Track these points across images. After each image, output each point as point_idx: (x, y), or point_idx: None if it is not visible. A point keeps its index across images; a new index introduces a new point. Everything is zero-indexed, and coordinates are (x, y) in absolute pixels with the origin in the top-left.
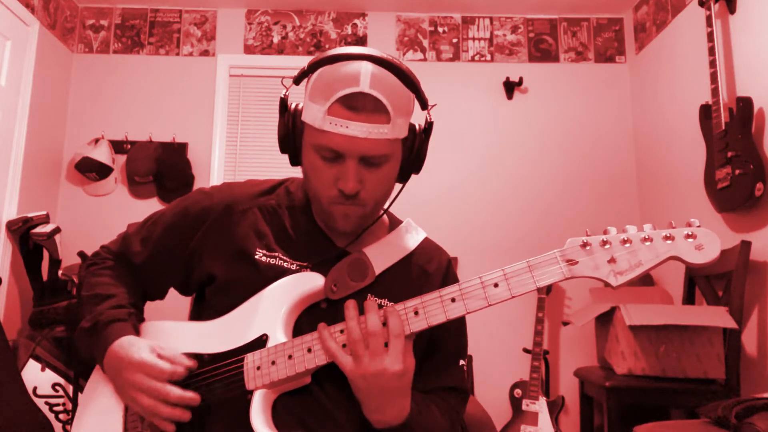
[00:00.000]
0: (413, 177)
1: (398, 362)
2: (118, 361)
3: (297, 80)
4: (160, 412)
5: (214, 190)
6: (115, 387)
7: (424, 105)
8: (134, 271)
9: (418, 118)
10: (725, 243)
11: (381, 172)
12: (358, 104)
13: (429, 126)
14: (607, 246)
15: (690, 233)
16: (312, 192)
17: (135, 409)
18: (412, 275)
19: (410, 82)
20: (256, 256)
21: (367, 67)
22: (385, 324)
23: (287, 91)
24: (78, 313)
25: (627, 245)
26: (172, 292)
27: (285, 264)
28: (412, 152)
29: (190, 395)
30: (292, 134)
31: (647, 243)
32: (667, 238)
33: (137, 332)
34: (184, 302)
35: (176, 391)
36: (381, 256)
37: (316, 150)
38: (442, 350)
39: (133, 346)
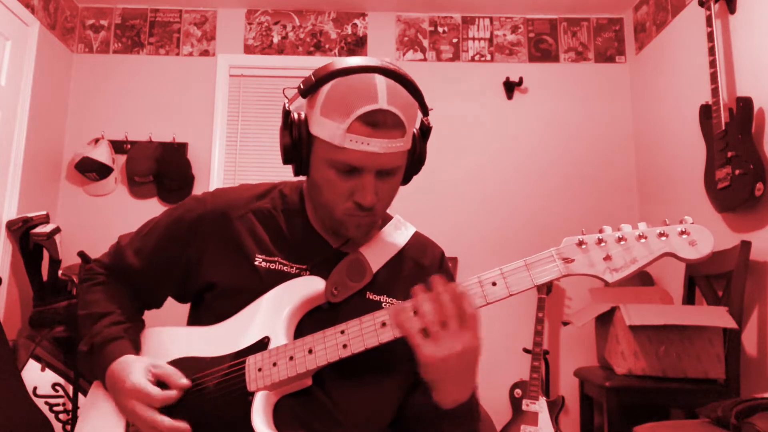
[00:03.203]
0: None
1: (477, 338)
2: (115, 383)
3: (304, 93)
4: None
5: (208, 196)
6: (117, 406)
7: (425, 111)
8: (129, 283)
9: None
10: (725, 243)
11: (392, 181)
12: (378, 120)
13: (428, 130)
14: (602, 244)
15: (683, 230)
16: (323, 203)
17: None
18: (407, 270)
19: (416, 91)
20: (256, 262)
21: (381, 81)
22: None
23: (291, 104)
24: (77, 332)
25: (622, 243)
26: (169, 299)
27: (285, 268)
28: (415, 157)
29: (181, 425)
30: (299, 145)
31: (642, 240)
32: (661, 235)
33: (136, 346)
34: (183, 307)
35: (166, 422)
36: (376, 253)
37: (331, 165)
38: None
39: (127, 370)
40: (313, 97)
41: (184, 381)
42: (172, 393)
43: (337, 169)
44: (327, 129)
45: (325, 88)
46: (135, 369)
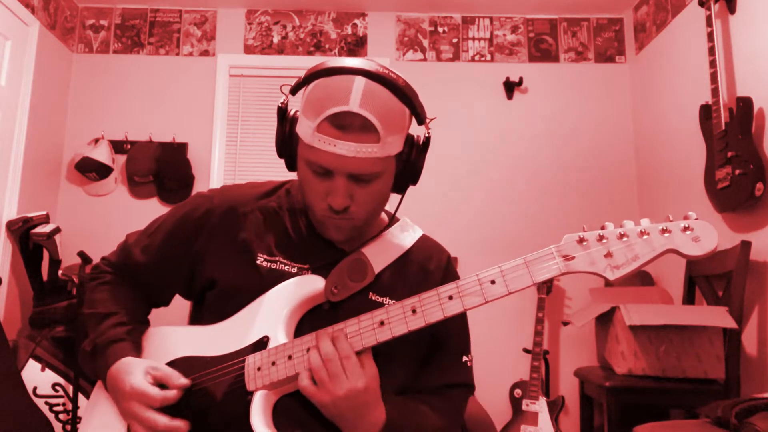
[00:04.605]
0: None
1: (359, 379)
2: (115, 386)
3: (293, 91)
4: None
5: (215, 192)
6: (117, 409)
7: (420, 120)
8: (136, 281)
9: (419, 129)
10: (725, 243)
11: (372, 187)
12: (346, 123)
13: (426, 140)
14: (603, 241)
15: (687, 226)
16: (306, 202)
17: None
18: (411, 273)
19: (405, 97)
20: (258, 261)
21: (359, 83)
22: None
23: (286, 99)
24: (80, 330)
25: (624, 239)
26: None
27: (286, 267)
28: (407, 166)
29: (176, 425)
30: (288, 142)
31: (644, 236)
32: (664, 231)
33: (138, 348)
34: (183, 307)
35: (163, 420)
36: (379, 254)
37: (307, 164)
38: (445, 347)
39: (127, 372)
40: (303, 95)
41: (183, 380)
42: (171, 393)
43: (312, 170)
44: (303, 127)
45: (308, 88)
46: (134, 371)
